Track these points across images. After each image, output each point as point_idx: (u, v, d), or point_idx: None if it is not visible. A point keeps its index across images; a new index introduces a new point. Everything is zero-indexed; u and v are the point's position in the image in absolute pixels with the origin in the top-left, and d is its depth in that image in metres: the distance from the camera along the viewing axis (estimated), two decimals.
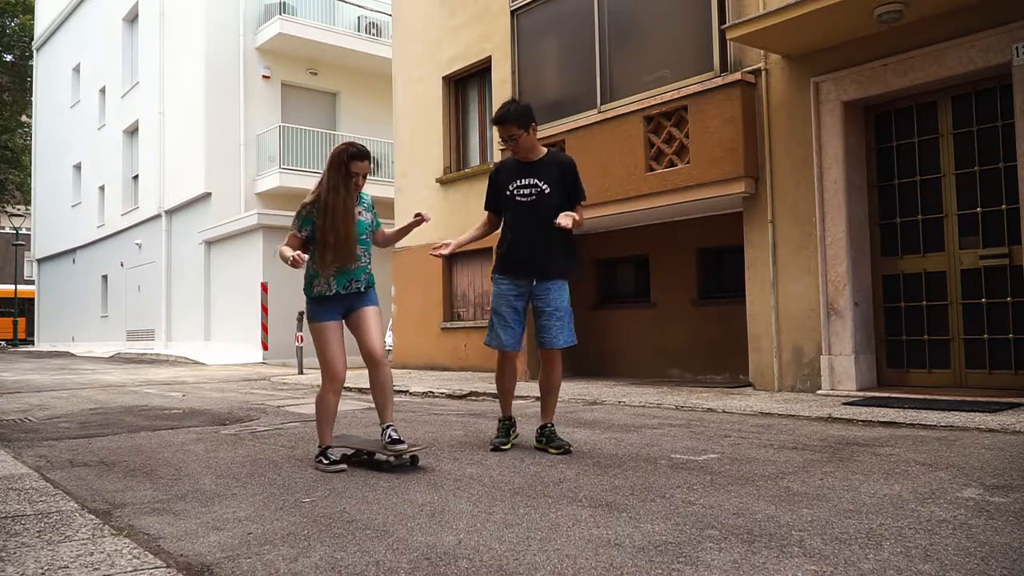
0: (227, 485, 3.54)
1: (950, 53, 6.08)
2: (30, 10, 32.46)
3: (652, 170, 7.80)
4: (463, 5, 11.76)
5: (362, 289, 4.04)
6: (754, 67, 7.32)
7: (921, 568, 2.19)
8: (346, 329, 4.11)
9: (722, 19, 7.45)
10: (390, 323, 13.61)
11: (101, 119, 24.29)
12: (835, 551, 2.35)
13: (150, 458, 4.35)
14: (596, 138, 8.27)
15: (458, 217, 11.83)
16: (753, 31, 6.60)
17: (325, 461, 3.89)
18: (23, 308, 34.74)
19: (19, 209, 34.72)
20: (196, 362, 16.38)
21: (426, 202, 12.53)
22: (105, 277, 23.92)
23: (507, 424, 4.52)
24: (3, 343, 33.70)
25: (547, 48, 9.46)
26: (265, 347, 15.29)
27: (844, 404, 5.81)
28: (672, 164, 7.62)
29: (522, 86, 9.59)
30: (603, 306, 9.95)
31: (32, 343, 32.07)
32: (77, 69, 26.52)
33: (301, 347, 12.37)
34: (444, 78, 12.16)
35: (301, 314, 12.41)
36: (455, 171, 12.01)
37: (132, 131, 22.23)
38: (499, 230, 4.54)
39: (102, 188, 24.07)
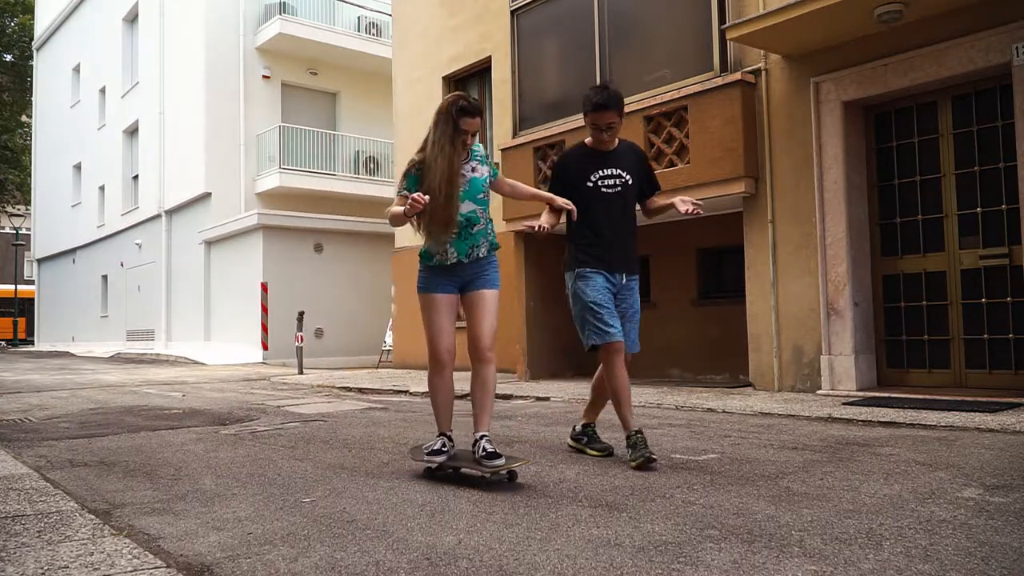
0: (227, 485, 3.54)
1: (950, 53, 6.08)
2: (30, 10, 32.45)
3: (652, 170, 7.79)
4: (463, 5, 11.76)
5: (483, 255, 3.63)
6: (754, 67, 7.32)
7: (921, 568, 2.19)
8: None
9: (722, 19, 7.44)
10: (390, 323, 13.62)
11: (101, 119, 24.28)
12: (835, 551, 2.35)
13: (150, 458, 4.35)
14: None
15: None
16: (753, 31, 6.60)
17: (427, 448, 3.59)
18: (23, 308, 34.74)
19: (19, 209, 34.71)
20: (196, 362, 16.38)
21: None
22: (105, 277, 23.92)
23: (641, 436, 3.85)
24: (3, 343, 33.70)
25: (547, 48, 9.46)
26: (265, 347, 15.29)
27: (844, 404, 5.81)
28: (672, 164, 7.62)
29: (522, 86, 9.59)
30: None
31: (32, 343, 32.07)
32: (77, 69, 26.51)
33: (301, 347, 12.38)
34: (444, 78, 12.16)
35: (301, 314, 12.43)
36: None
37: (132, 131, 22.23)
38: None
39: (102, 188, 24.07)
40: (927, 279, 6.49)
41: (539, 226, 3.81)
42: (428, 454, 3.54)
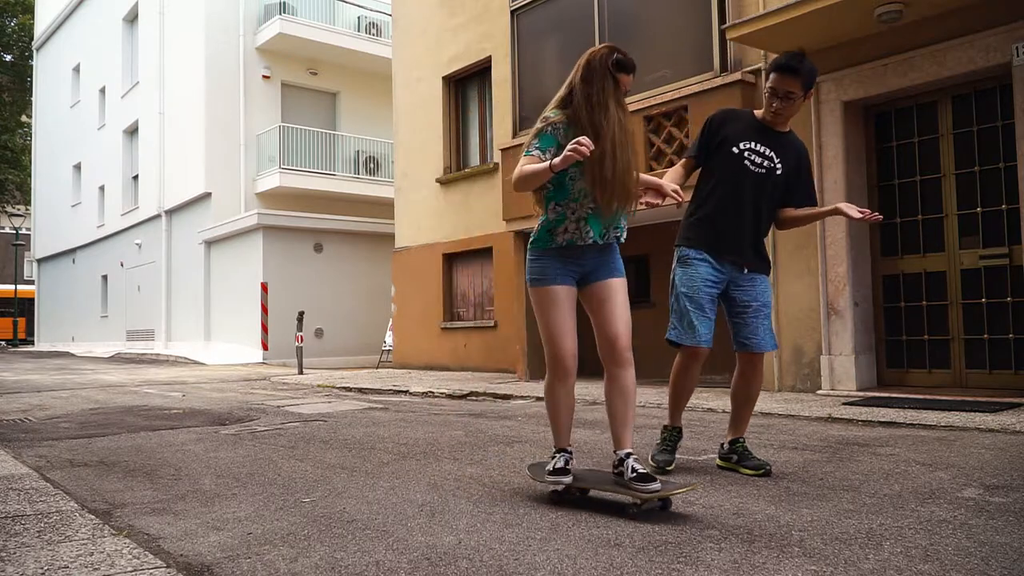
0: (227, 485, 3.54)
1: (950, 53, 6.08)
2: (30, 10, 32.45)
3: (652, 170, 7.79)
4: (463, 5, 11.76)
5: (617, 236, 3.12)
6: (754, 67, 7.32)
7: (921, 568, 2.19)
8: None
9: (722, 19, 7.45)
10: (390, 323, 13.62)
11: (101, 119, 24.28)
12: (835, 551, 2.35)
13: (150, 458, 4.35)
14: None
15: (458, 217, 11.84)
16: (753, 31, 6.60)
17: (551, 468, 3.08)
18: (23, 308, 34.73)
19: (19, 209, 34.69)
20: (196, 362, 16.38)
21: (426, 202, 12.54)
22: (105, 277, 23.91)
23: (676, 435, 3.72)
24: (3, 343, 33.70)
25: (547, 48, 9.47)
26: (265, 347, 15.30)
27: (844, 404, 5.81)
28: (672, 164, 7.61)
29: (522, 86, 9.59)
30: None
31: (32, 343, 32.06)
32: (77, 69, 26.51)
33: (301, 347, 12.38)
34: (444, 78, 12.16)
35: (301, 314, 12.43)
36: (455, 171, 12.01)
37: (132, 131, 22.23)
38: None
39: (102, 188, 24.07)
40: (927, 279, 6.49)
41: (669, 189, 3.30)
42: (551, 474, 3.05)
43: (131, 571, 2.18)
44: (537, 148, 3.02)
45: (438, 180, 12.14)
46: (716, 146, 3.57)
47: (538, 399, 7.28)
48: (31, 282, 33.50)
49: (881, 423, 5.00)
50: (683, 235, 3.64)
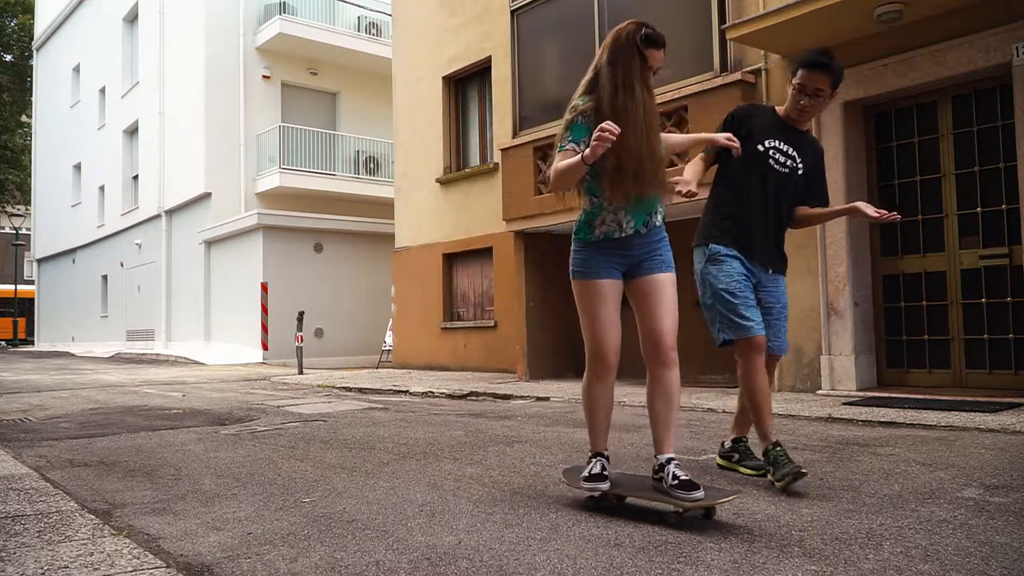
0: (227, 485, 3.54)
1: (950, 53, 6.08)
2: (30, 10, 32.45)
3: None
4: (463, 5, 11.77)
5: (659, 223, 2.96)
6: (754, 67, 7.32)
7: (921, 568, 2.19)
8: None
9: (722, 19, 7.45)
10: (390, 323, 13.62)
11: (101, 119, 24.28)
12: (835, 551, 2.35)
13: (150, 458, 4.35)
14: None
15: (458, 217, 11.84)
16: (753, 31, 6.59)
17: (587, 474, 2.95)
18: (23, 308, 34.73)
19: (19, 209, 34.70)
20: (196, 362, 16.38)
21: (426, 202, 12.54)
22: (105, 277, 23.91)
23: (781, 449, 3.28)
24: (3, 343, 33.70)
25: (547, 48, 9.47)
26: (265, 347, 15.30)
27: (844, 404, 5.81)
28: (672, 164, 7.61)
29: (522, 86, 9.59)
30: None
31: (32, 343, 32.07)
32: (77, 69, 26.51)
33: (301, 347, 12.38)
34: (444, 78, 12.16)
35: (301, 314, 12.43)
36: (455, 171, 12.02)
37: (132, 131, 22.23)
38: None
39: (102, 188, 24.07)
40: (927, 279, 6.49)
41: (685, 188, 3.12)
42: (588, 480, 2.91)
43: (131, 571, 2.18)
44: (571, 141, 2.89)
45: (438, 180, 12.14)
46: (740, 142, 3.42)
47: (538, 399, 7.28)
48: (31, 282, 33.50)
49: (881, 423, 5.00)
50: (709, 233, 3.48)
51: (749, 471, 3.47)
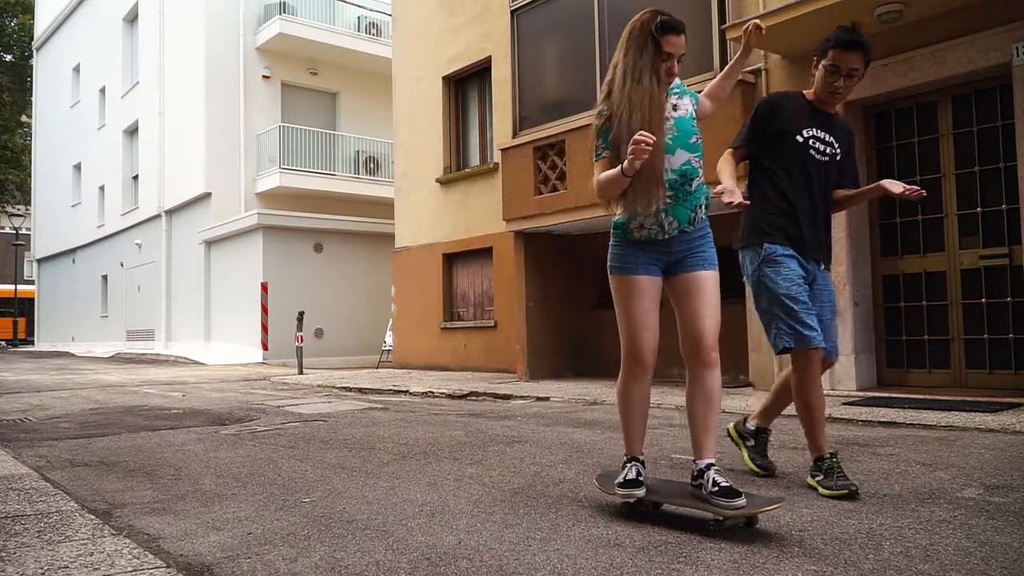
0: (227, 485, 3.54)
1: (950, 53, 6.08)
2: (30, 10, 32.46)
3: None
4: (463, 5, 11.77)
5: (704, 217, 2.84)
6: (754, 67, 7.32)
7: (921, 568, 2.19)
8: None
9: (722, 19, 7.45)
10: (390, 323, 13.62)
11: (101, 119, 24.29)
12: (835, 551, 2.35)
13: (150, 458, 4.35)
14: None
15: (458, 217, 11.84)
16: None
17: (621, 479, 2.81)
18: (23, 308, 34.74)
19: (19, 209, 34.71)
20: (196, 362, 16.38)
21: (426, 202, 12.54)
22: (105, 277, 23.92)
23: (834, 459, 3.18)
24: (3, 343, 33.70)
25: (547, 48, 9.47)
26: (265, 347, 15.30)
27: (844, 404, 5.80)
28: None
29: (522, 86, 9.59)
30: (603, 306, 9.94)
31: (32, 343, 32.07)
32: (77, 69, 26.52)
33: (301, 347, 12.38)
34: (444, 78, 12.17)
35: (301, 314, 12.43)
36: (455, 171, 12.02)
37: (132, 131, 22.23)
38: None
39: (102, 188, 24.07)
40: (927, 279, 6.49)
41: (735, 199, 2.92)
42: (623, 485, 2.79)
43: (131, 571, 2.18)
44: (603, 148, 2.80)
45: (438, 180, 12.14)
46: (775, 135, 3.30)
47: (538, 399, 7.28)
48: (31, 282, 33.50)
49: (881, 423, 5.00)
50: (759, 231, 3.27)
51: (753, 467, 3.38)
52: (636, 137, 2.51)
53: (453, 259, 12.11)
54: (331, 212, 17.43)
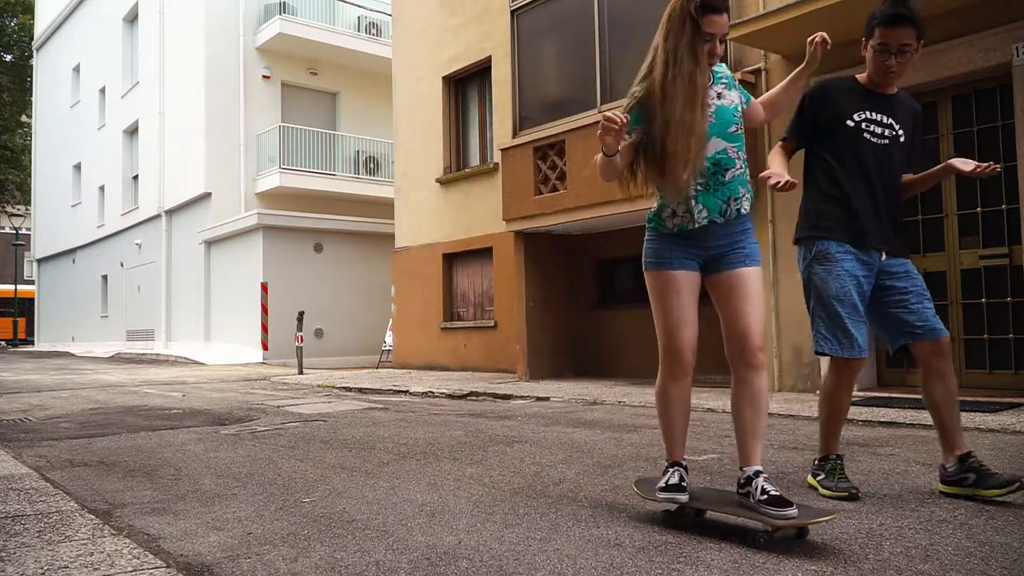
0: (227, 485, 3.54)
1: (950, 53, 6.08)
2: (30, 10, 32.46)
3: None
4: (463, 5, 11.77)
5: (743, 210, 2.70)
6: (754, 67, 7.32)
7: (921, 568, 2.19)
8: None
9: None
10: (390, 323, 13.62)
11: (101, 119, 24.29)
12: (835, 551, 2.35)
13: (150, 458, 4.35)
14: (596, 138, 8.25)
15: (458, 217, 11.84)
16: (753, 31, 6.59)
17: (663, 484, 2.67)
18: (23, 308, 34.74)
19: (19, 209, 34.72)
20: (196, 362, 16.38)
21: (426, 202, 12.54)
22: (105, 277, 23.92)
23: (839, 461, 3.17)
24: (3, 343, 33.70)
25: (547, 48, 9.47)
26: (265, 347, 15.30)
27: None
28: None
29: (522, 86, 9.59)
30: (603, 306, 9.95)
31: (32, 343, 32.07)
32: (77, 69, 26.52)
33: (301, 347, 12.38)
34: (444, 78, 12.17)
35: (301, 314, 12.43)
36: (455, 171, 12.02)
37: (132, 131, 22.23)
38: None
39: (102, 188, 24.07)
40: (927, 279, 6.45)
41: (780, 180, 2.79)
42: (664, 490, 2.64)
43: (131, 571, 2.18)
44: (626, 133, 2.66)
45: (438, 180, 12.14)
46: (824, 124, 3.14)
47: (538, 399, 7.28)
48: (31, 282, 33.51)
49: (881, 423, 5.00)
50: (811, 226, 3.14)
51: (998, 492, 2.90)
52: (607, 113, 2.48)
53: (453, 259, 12.11)
54: (331, 212, 17.43)
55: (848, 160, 3.08)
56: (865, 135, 3.08)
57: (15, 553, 2.35)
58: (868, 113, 3.11)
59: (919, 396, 5.84)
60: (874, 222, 3.06)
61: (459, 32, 11.82)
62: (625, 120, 2.51)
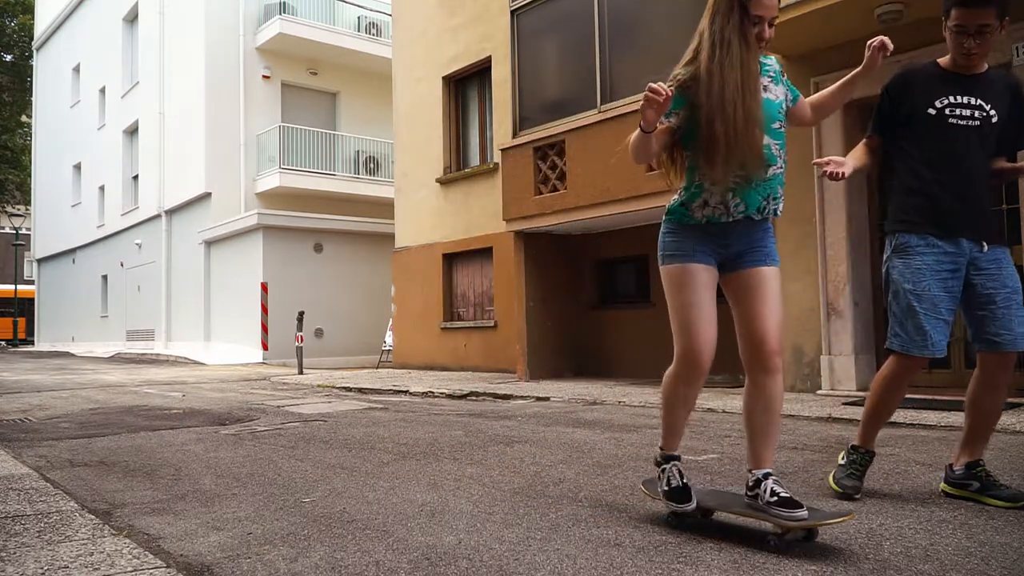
0: (227, 485, 3.54)
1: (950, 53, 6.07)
2: (30, 10, 32.46)
3: (653, 170, 7.79)
4: (463, 5, 11.77)
5: (776, 210, 2.59)
6: None
7: (921, 568, 2.19)
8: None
9: None
10: (390, 323, 13.63)
11: (101, 119, 24.29)
12: (835, 551, 2.35)
13: (150, 458, 4.35)
14: (596, 138, 8.27)
15: (458, 217, 11.84)
16: None
17: (665, 486, 2.64)
18: (23, 308, 34.74)
19: (19, 209, 34.72)
20: (196, 362, 16.39)
21: (426, 202, 12.54)
22: (105, 277, 23.92)
23: (867, 458, 3.11)
24: (3, 343, 33.70)
25: (547, 48, 9.47)
26: (265, 347, 15.30)
27: (844, 404, 5.81)
28: None
29: (522, 86, 9.59)
30: (603, 306, 9.95)
31: (32, 343, 32.07)
32: (77, 69, 26.52)
33: (301, 347, 12.38)
34: (444, 78, 12.17)
35: (301, 314, 12.43)
36: (455, 171, 12.02)
37: (132, 131, 22.24)
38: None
39: (102, 188, 24.08)
40: None
41: (835, 169, 2.80)
42: (669, 497, 2.63)
43: (131, 571, 2.18)
44: (664, 116, 2.54)
45: (438, 180, 12.14)
46: (906, 114, 3.01)
47: (538, 399, 7.28)
48: (31, 282, 33.51)
49: None
50: (893, 219, 3.01)
51: (999, 502, 2.84)
52: (652, 84, 2.32)
53: (453, 259, 12.11)
54: (331, 212, 17.43)
55: (932, 149, 2.96)
56: (951, 120, 2.94)
57: (15, 553, 2.35)
58: (952, 98, 2.95)
59: (919, 396, 5.85)
60: (964, 209, 2.90)
61: (459, 32, 11.82)
62: (670, 94, 2.34)
